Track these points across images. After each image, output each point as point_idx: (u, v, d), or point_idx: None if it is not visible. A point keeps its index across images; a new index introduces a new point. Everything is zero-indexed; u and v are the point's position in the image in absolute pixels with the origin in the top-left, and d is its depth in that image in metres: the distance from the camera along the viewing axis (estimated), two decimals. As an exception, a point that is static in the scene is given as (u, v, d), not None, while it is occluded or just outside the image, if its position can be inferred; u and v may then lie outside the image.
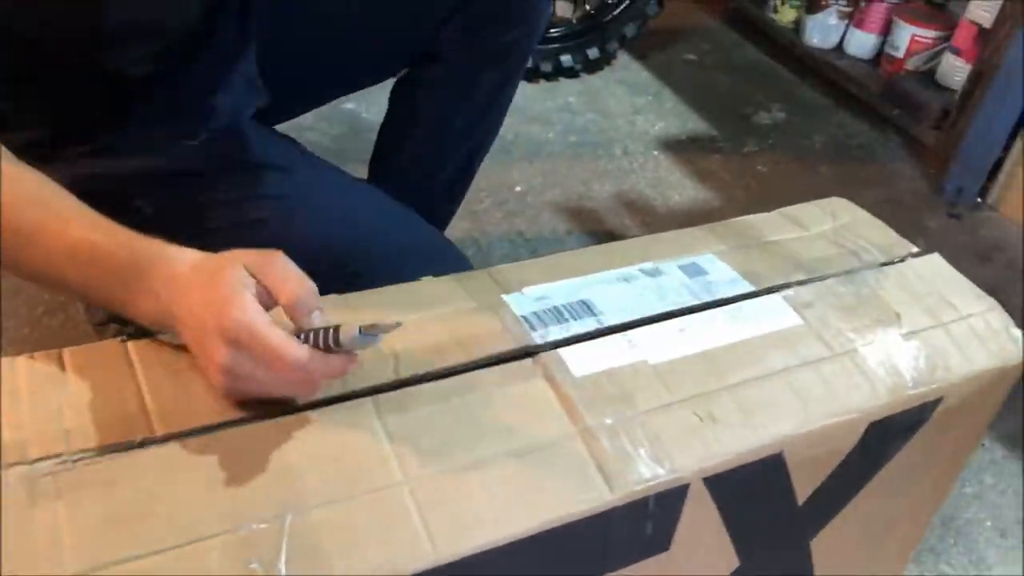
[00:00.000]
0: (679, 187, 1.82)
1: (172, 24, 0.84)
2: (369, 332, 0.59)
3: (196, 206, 0.89)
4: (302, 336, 0.61)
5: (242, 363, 0.60)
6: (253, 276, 0.61)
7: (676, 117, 2.07)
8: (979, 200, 1.90)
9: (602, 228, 1.67)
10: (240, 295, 0.60)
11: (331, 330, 0.60)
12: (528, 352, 0.69)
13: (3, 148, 0.69)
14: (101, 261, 0.65)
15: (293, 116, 1.18)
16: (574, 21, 2.11)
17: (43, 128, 0.85)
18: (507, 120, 1.93)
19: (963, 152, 1.87)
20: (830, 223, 0.91)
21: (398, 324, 0.60)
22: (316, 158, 1.02)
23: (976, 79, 1.85)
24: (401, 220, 1.01)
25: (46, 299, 1.32)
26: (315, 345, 0.60)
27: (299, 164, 0.98)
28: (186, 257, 0.65)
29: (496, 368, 0.68)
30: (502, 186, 1.74)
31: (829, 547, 0.81)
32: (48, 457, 0.57)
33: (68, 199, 0.69)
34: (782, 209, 0.94)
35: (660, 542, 0.66)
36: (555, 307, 0.73)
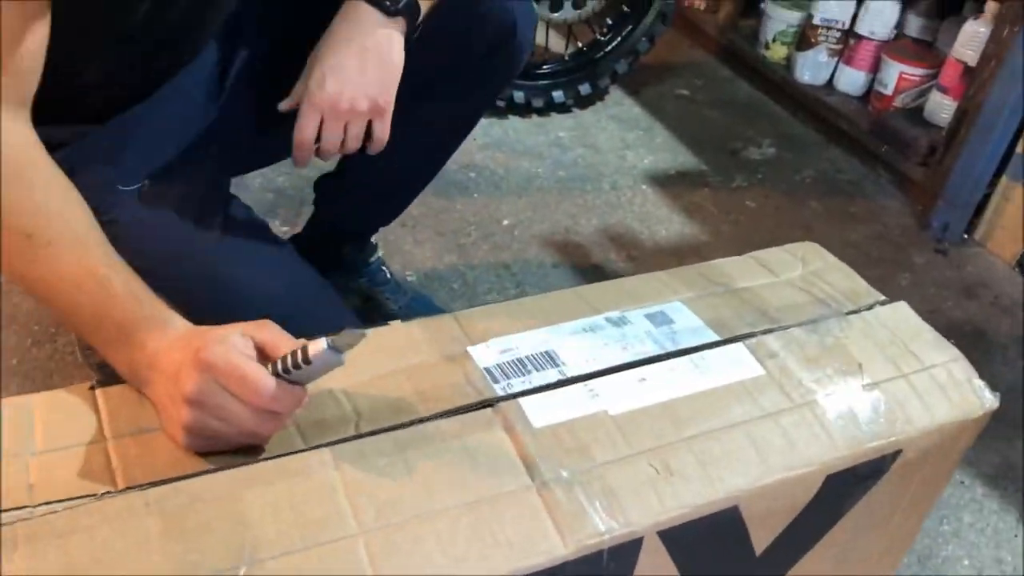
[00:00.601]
0: (666, 221, 1.84)
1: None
2: (336, 346, 0.61)
3: None
4: (270, 367, 0.63)
5: (212, 392, 0.62)
6: (248, 336, 0.64)
7: (666, 152, 2.09)
8: (966, 236, 1.91)
9: (588, 262, 1.68)
10: (224, 336, 0.63)
11: (299, 350, 0.61)
12: (488, 403, 0.70)
13: (43, 152, 0.71)
14: (106, 300, 0.68)
15: (259, 168, 1.19)
16: (566, 57, 2.13)
17: None
18: (497, 155, 1.99)
19: (950, 188, 1.89)
20: (799, 269, 0.92)
21: (364, 334, 0.62)
22: (248, 223, 1.02)
23: (962, 116, 1.87)
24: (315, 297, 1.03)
25: (35, 330, 1.33)
26: (284, 369, 0.62)
27: (226, 237, 0.96)
28: (182, 323, 0.68)
29: (455, 418, 0.69)
30: (490, 220, 1.75)
31: (794, 594, 0.82)
32: (12, 509, 0.58)
33: (92, 225, 0.71)
34: (753, 253, 0.95)
35: (616, 594, 0.67)
36: (519, 359, 0.75)
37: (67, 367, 1.29)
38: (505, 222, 1.76)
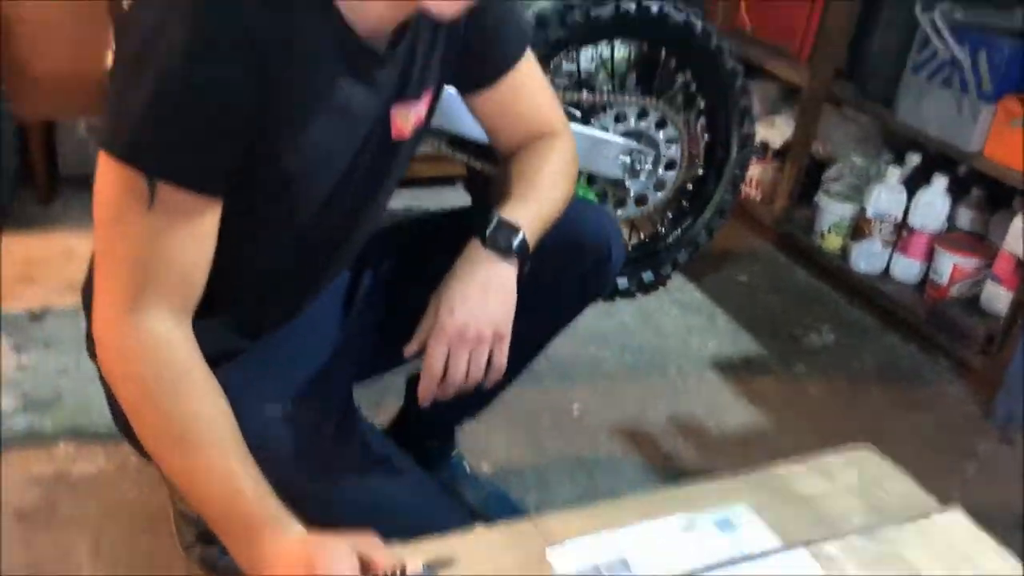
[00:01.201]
0: (731, 410, 1.90)
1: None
2: (431, 569, 0.69)
3: None
4: None
5: None
6: (352, 548, 0.74)
7: (728, 337, 2.17)
8: (1031, 425, 1.93)
9: (658, 452, 1.74)
10: (332, 547, 0.73)
11: (399, 570, 0.70)
12: (569, 606, 0.77)
13: (200, 359, 0.82)
14: (237, 498, 0.78)
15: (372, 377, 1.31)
16: (629, 248, 2.26)
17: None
18: (566, 341, 2.07)
19: (1010, 378, 1.92)
20: (856, 476, 0.98)
21: (455, 561, 0.70)
22: (376, 435, 1.12)
23: (1018, 308, 1.92)
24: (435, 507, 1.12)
25: (139, 519, 1.43)
26: None
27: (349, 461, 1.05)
28: (299, 529, 0.77)
29: (541, 623, 0.76)
30: (560, 408, 1.83)
31: None
32: None
33: (234, 428, 0.81)
34: (812, 461, 1.02)
35: None
36: (594, 565, 0.82)
37: (169, 555, 1.37)
38: (575, 408, 1.84)
